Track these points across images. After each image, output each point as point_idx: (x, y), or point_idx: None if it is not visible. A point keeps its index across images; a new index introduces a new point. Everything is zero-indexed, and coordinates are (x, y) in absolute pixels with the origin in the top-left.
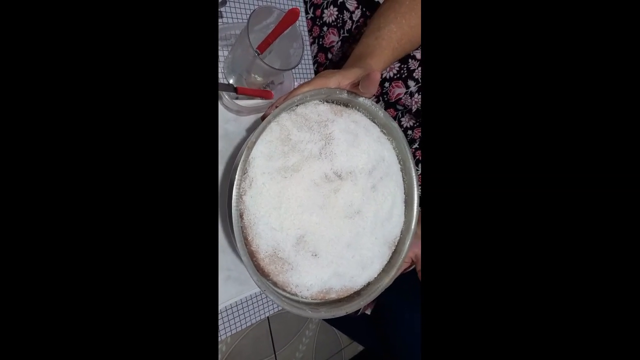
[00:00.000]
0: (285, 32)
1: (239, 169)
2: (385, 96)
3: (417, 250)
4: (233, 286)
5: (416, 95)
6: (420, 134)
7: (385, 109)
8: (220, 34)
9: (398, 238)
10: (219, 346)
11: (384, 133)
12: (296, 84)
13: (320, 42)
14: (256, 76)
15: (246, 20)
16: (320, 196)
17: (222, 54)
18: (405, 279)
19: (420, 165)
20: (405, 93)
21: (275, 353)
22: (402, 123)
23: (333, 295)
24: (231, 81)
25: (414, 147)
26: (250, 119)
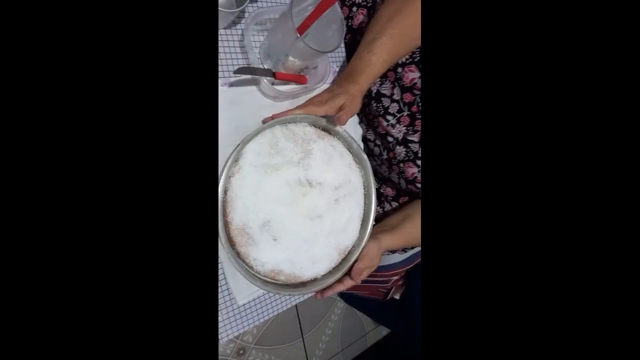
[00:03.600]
0: (324, 13)
1: (232, 156)
2: (399, 81)
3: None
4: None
5: None
6: None
7: (402, 94)
8: (255, 19)
9: (349, 248)
10: (250, 329)
11: (355, 161)
12: (330, 67)
13: (350, 24)
14: (295, 60)
15: (281, 4)
16: (291, 195)
17: (258, 39)
18: None
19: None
20: (420, 77)
21: (302, 337)
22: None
23: (282, 278)
24: (267, 66)
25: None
26: (285, 106)
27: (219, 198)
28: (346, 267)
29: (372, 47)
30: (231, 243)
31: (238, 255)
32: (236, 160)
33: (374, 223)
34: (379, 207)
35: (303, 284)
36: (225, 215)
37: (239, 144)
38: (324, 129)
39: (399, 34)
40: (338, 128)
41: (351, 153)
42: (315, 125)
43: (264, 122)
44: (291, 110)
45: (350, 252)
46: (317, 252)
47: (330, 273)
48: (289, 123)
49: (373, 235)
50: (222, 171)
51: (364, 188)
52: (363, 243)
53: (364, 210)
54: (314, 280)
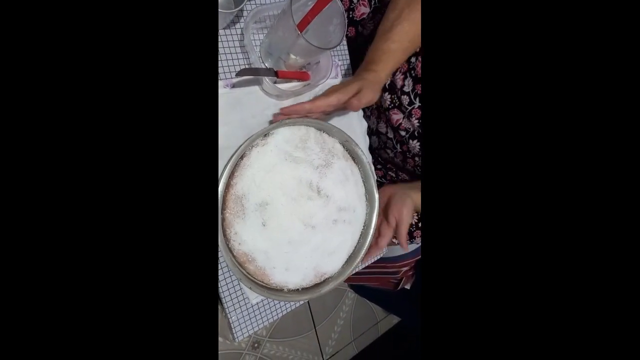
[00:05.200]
0: (325, 8)
1: (263, 130)
2: (412, 71)
3: (399, 212)
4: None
5: None
6: None
7: (414, 85)
8: (255, 18)
9: (326, 276)
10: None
11: (366, 197)
12: (333, 61)
13: (351, 16)
14: (297, 57)
15: (280, 0)
16: (297, 192)
17: (258, 37)
18: None
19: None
20: None
21: (315, 328)
22: None
23: (251, 266)
24: (268, 65)
25: None
26: (289, 104)
27: (233, 157)
28: (313, 293)
29: (389, 35)
30: (223, 206)
31: (223, 221)
32: (265, 135)
33: (360, 267)
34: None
35: (267, 283)
36: (231, 177)
37: (274, 123)
38: (352, 153)
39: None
40: (363, 157)
41: (365, 187)
42: (345, 145)
43: (279, 115)
44: (304, 103)
45: (325, 281)
46: (295, 260)
47: (297, 291)
48: (324, 132)
49: (403, 192)
50: (250, 139)
51: (364, 226)
52: (339, 280)
53: (356, 246)
54: (278, 291)
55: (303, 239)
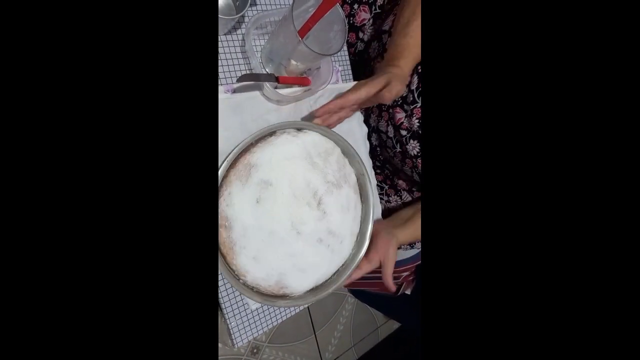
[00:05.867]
0: (326, 14)
1: (297, 124)
2: (418, 68)
3: (386, 252)
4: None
5: None
6: None
7: (419, 84)
8: (256, 24)
9: (286, 290)
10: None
11: (357, 238)
12: (334, 67)
13: (352, 21)
14: (297, 63)
15: (282, 6)
16: (300, 190)
17: (259, 42)
18: None
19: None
20: None
21: (315, 333)
22: None
23: (224, 234)
24: (268, 70)
25: None
26: (289, 109)
27: (254, 136)
28: (277, 302)
29: (407, 30)
30: (232, 164)
31: (224, 177)
32: (299, 129)
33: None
34: (396, 196)
35: (236, 274)
36: (254, 144)
37: (309, 122)
38: (362, 189)
39: None
40: (371, 198)
41: (360, 228)
42: (359, 178)
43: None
44: (335, 100)
45: (283, 295)
46: (267, 255)
47: (252, 289)
48: (345, 155)
49: (388, 231)
50: (284, 124)
51: (344, 263)
52: (297, 303)
53: (327, 279)
54: (234, 277)
55: (284, 238)
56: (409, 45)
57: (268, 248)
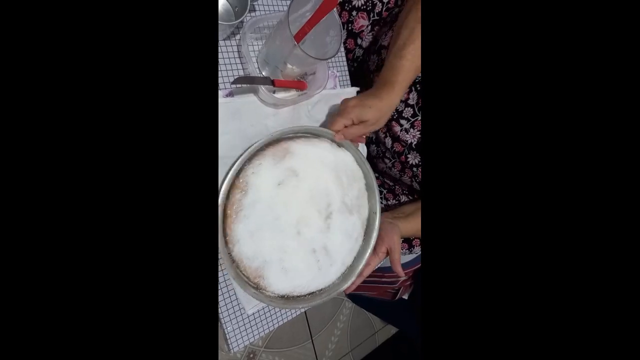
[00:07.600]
0: (322, 19)
1: (323, 124)
2: (417, 85)
3: (391, 240)
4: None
5: None
6: None
7: (419, 99)
8: (252, 27)
9: (261, 284)
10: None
11: (345, 270)
12: (331, 72)
13: (350, 28)
14: (293, 67)
15: (280, 11)
16: (319, 195)
17: (256, 46)
18: None
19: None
20: None
21: (312, 338)
22: None
23: (237, 195)
24: (265, 74)
25: None
26: (287, 114)
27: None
28: (247, 288)
29: (403, 52)
30: (267, 146)
31: (258, 150)
32: (339, 145)
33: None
34: (394, 200)
35: (227, 240)
36: (292, 139)
37: (347, 141)
38: (368, 228)
39: None
40: (372, 242)
41: (353, 263)
42: (370, 217)
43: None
44: (342, 115)
45: (256, 284)
46: (265, 237)
47: (233, 262)
48: (367, 188)
49: (390, 221)
50: (327, 132)
51: (321, 288)
52: (263, 302)
53: (299, 294)
54: (228, 254)
55: (284, 230)
56: (404, 69)
57: (266, 230)
